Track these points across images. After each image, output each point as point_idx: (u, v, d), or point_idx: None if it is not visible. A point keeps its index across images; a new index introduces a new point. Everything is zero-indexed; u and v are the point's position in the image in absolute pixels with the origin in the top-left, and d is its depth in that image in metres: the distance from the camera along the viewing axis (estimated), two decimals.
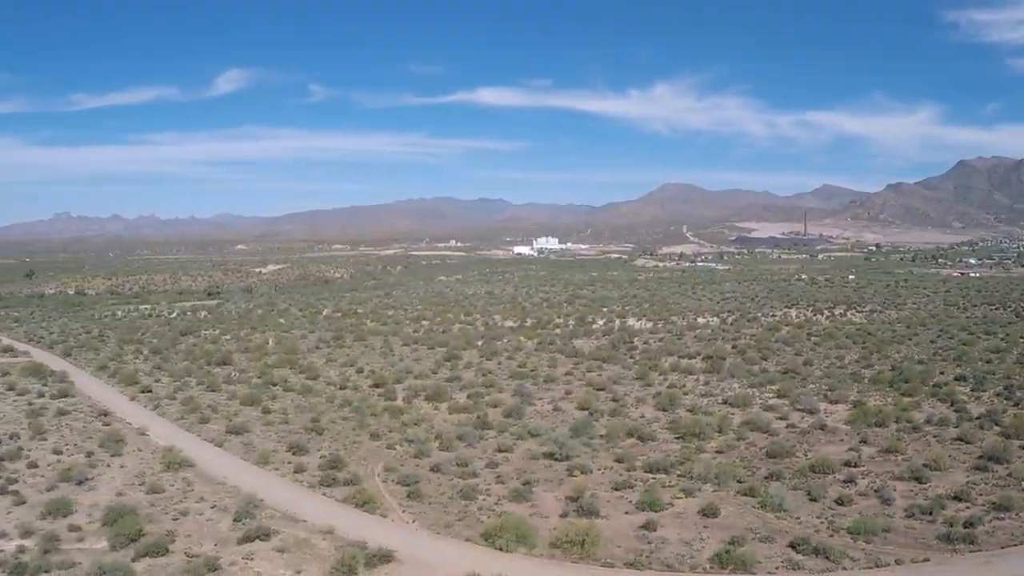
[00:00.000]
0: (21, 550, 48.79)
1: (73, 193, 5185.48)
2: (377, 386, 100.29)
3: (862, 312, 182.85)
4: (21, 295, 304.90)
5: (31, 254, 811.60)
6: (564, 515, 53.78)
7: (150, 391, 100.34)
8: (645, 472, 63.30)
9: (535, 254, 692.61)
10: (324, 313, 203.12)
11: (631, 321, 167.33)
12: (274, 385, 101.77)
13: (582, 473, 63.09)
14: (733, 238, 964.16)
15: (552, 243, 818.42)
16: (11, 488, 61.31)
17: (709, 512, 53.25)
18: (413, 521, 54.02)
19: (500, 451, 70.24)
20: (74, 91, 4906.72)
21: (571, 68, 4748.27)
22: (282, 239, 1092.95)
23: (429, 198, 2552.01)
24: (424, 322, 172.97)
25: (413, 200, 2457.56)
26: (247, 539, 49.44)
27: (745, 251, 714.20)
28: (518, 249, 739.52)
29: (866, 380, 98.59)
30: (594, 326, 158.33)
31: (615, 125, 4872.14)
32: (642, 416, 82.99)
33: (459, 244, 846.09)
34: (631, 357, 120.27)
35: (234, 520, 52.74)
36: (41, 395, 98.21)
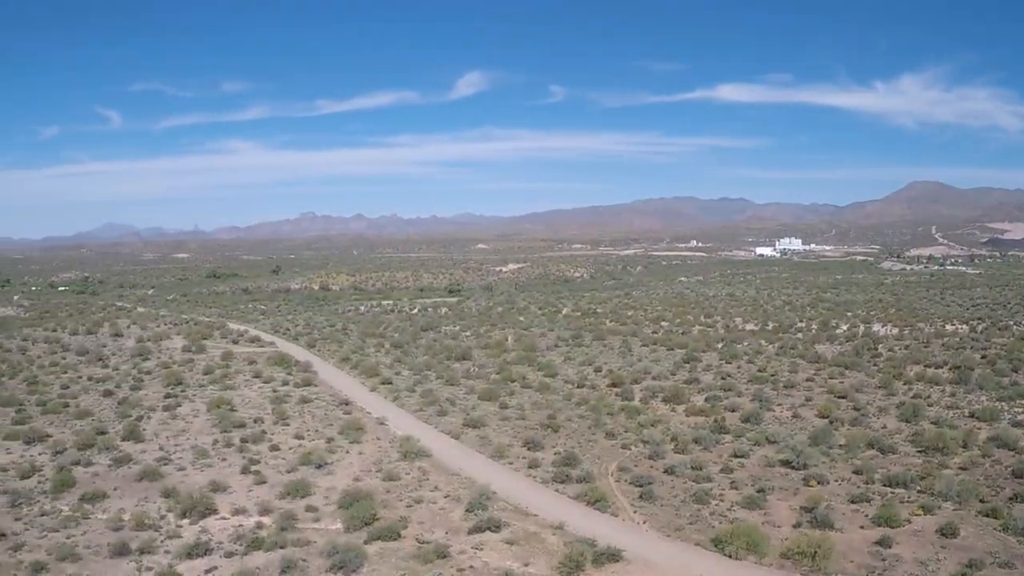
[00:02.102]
0: (259, 526, 52.95)
1: (318, 193, 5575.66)
2: (614, 386, 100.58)
3: None
4: (268, 290, 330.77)
5: (278, 251, 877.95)
6: (797, 525, 52.14)
7: (390, 383, 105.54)
8: (884, 486, 59.95)
9: (777, 255, 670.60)
10: (563, 312, 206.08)
11: (876, 327, 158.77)
12: (512, 381, 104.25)
13: (818, 483, 60.62)
14: (985, 240, 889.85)
15: (795, 244, 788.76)
16: (253, 468, 66.57)
17: (948, 532, 49.85)
18: (644, 522, 53.96)
19: (736, 456, 68.65)
20: (317, 97, 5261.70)
21: (812, 61, 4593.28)
22: (522, 238, 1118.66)
23: (669, 197, 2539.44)
24: (663, 323, 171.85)
25: (653, 199, 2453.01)
26: (478, 529, 51.16)
27: (998, 254, 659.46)
28: (760, 250, 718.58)
29: None
30: (837, 331, 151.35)
31: (859, 120, 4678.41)
32: (884, 427, 78.50)
33: (700, 244, 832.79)
34: (875, 364, 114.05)
35: (466, 510, 54.62)
36: (285, 383, 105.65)
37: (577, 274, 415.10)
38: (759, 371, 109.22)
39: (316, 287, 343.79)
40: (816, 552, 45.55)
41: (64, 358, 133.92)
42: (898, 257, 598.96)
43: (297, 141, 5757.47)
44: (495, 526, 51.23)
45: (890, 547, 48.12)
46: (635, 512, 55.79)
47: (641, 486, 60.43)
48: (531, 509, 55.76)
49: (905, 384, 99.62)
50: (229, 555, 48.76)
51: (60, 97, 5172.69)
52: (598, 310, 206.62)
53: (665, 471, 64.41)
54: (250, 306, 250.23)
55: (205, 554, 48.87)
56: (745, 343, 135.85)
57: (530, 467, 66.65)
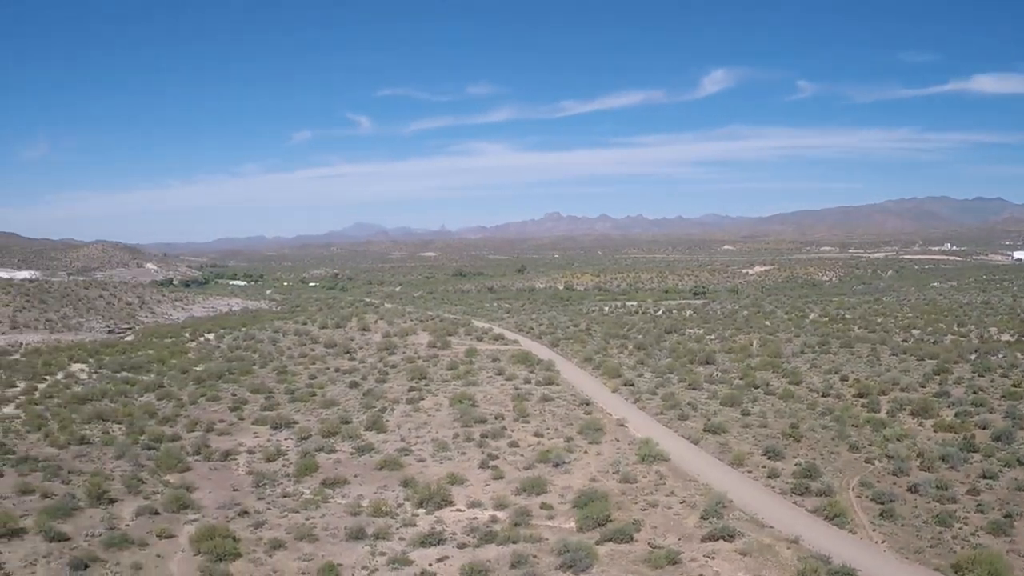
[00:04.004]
0: (493, 520, 54.66)
1: (563, 194, 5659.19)
2: (860, 396, 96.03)
3: None
4: (513, 289, 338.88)
5: (523, 251, 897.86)
6: None
7: (632, 385, 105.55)
8: None
9: None
10: (810, 317, 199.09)
11: None
12: (755, 388, 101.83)
13: None
14: None
15: None
16: (491, 464, 68.66)
17: None
18: (882, 541, 51.41)
19: (984, 477, 63.82)
20: (563, 99, 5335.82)
21: None
22: (769, 240, 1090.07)
23: (921, 197, 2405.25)
24: (914, 331, 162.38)
25: (904, 199, 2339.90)
26: (711, 538, 50.33)
27: None
28: (1018, 254, 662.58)
29: None
30: None
31: None
32: None
33: (953, 248, 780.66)
34: None
35: (701, 517, 53.91)
36: (527, 381, 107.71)
37: (825, 278, 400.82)
38: (1014, 386, 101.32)
39: (560, 287, 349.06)
40: None
41: (313, 350, 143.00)
42: None
43: (543, 142, 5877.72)
44: (729, 535, 50.23)
45: None
46: (874, 530, 53.33)
47: (882, 503, 57.61)
48: (767, 520, 54.37)
49: None
50: (461, 546, 50.54)
51: (313, 104, 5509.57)
52: (846, 316, 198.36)
53: (908, 489, 61.05)
54: (495, 304, 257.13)
55: (438, 544, 50.95)
56: (1000, 355, 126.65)
57: (769, 477, 64.95)
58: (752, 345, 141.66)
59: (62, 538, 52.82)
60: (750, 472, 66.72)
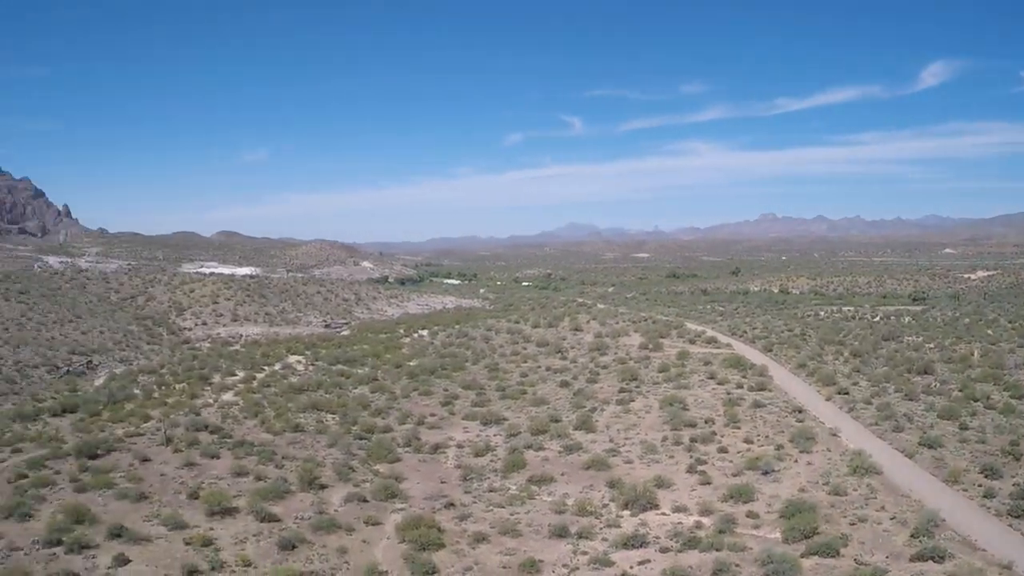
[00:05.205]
0: (698, 526, 54.55)
1: (777, 194, 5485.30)
2: None
3: None
4: (727, 291, 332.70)
5: (737, 253, 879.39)
6: None
7: (846, 393, 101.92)
8: None
9: None
10: None
11: None
12: (975, 401, 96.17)
13: None
14: None
15: None
16: (699, 468, 68.37)
17: None
18: None
19: None
20: (777, 96, 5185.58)
21: None
22: (992, 243, 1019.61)
23: None
24: None
25: None
26: (920, 558, 48.22)
27: None
28: None
29: None
30: None
31: None
32: None
33: None
34: None
35: (911, 536, 51.77)
36: (739, 386, 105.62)
37: None
38: None
39: (775, 290, 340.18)
40: None
41: (525, 348, 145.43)
42: None
43: (756, 141, 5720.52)
44: (939, 556, 47.94)
45: None
46: None
47: None
48: (979, 543, 51.47)
49: None
50: (664, 550, 50.68)
51: (525, 106, 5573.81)
52: None
53: None
54: (708, 307, 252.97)
55: (641, 546, 51.30)
56: None
57: (984, 496, 61.31)
58: (973, 355, 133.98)
59: (272, 519, 56.58)
60: (965, 490, 63.16)
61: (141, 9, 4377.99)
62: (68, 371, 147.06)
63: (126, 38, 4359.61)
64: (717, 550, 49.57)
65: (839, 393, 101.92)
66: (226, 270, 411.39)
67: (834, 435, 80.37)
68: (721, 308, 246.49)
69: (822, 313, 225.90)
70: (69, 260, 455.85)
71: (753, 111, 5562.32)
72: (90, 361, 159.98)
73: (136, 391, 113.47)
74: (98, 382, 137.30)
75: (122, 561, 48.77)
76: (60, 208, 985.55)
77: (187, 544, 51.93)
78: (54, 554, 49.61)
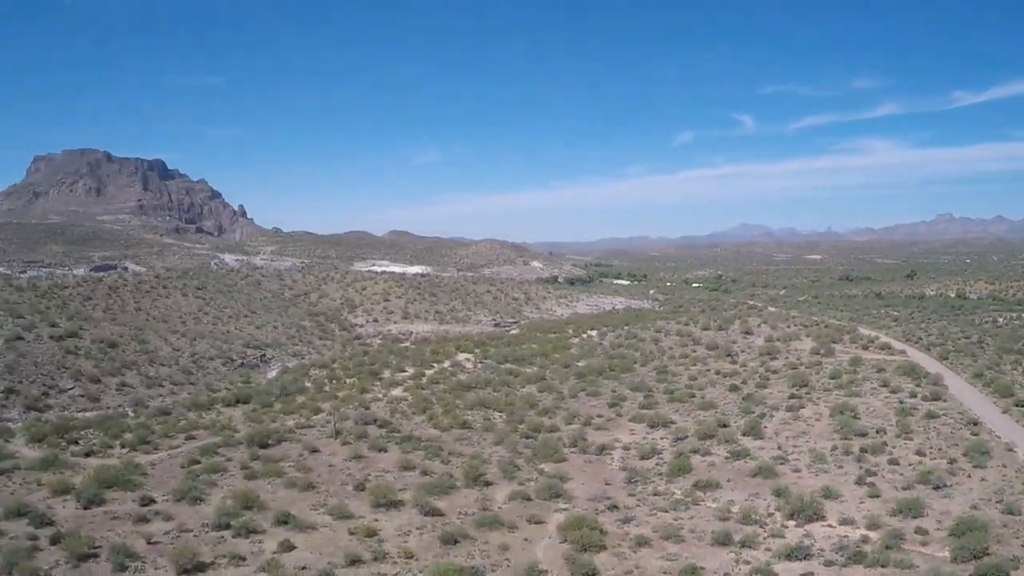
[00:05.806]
0: (864, 540, 53.53)
1: (954, 193, 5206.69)
2: None
3: None
4: (901, 295, 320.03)
5: (912, 255, 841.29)
6: None
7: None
8: None
9: None
10: None
11: None
12: None
13: None
14: None
15: None
16: (868, 480, 66.77)
17: None
18: None
19: None
20: (954, 89, 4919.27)
21: None
22: None
23: None
24: None
25: None
26: None
27: None
28: None
29: None
30: None
31: None
32: None
33: None
34: None
35: None
36: (913, 395, 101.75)
37: None
38: None
39: (952, 294, 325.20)
40: None
41: (694, 351, 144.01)
42: None
43: (932, 137, 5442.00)
44: None
45: None
46: None
47: None
48: None
49: None
50: (828, 564, 50.09)
51: (694, 105, 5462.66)
52: None
53: None
54: (882, 311, 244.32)
55: (804, 558, 50.80)
56: None
57: None
58: None
59: (436, 513, 58.77)
60: None
61: (309, 15, 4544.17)
62: (242, 364, 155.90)
63: (296, 42, 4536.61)
64: (883, 566, 48.57)
65: (1017, 405, 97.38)
66: (397, 269, 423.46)
67: (1010, 450, 76.78)
68: (895, 313, 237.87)
69: (1001, 320, 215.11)
70: (244, 258, 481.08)
71: (928, 106, 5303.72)
72: (264, 355, 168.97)
73: (307, 384, 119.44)
74: (271, 375, 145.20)
75: (287, 547, 51.65)
76: (236, 208, 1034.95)
77: (351, 534, 54.52)
78: (222, 537, 53.09)
